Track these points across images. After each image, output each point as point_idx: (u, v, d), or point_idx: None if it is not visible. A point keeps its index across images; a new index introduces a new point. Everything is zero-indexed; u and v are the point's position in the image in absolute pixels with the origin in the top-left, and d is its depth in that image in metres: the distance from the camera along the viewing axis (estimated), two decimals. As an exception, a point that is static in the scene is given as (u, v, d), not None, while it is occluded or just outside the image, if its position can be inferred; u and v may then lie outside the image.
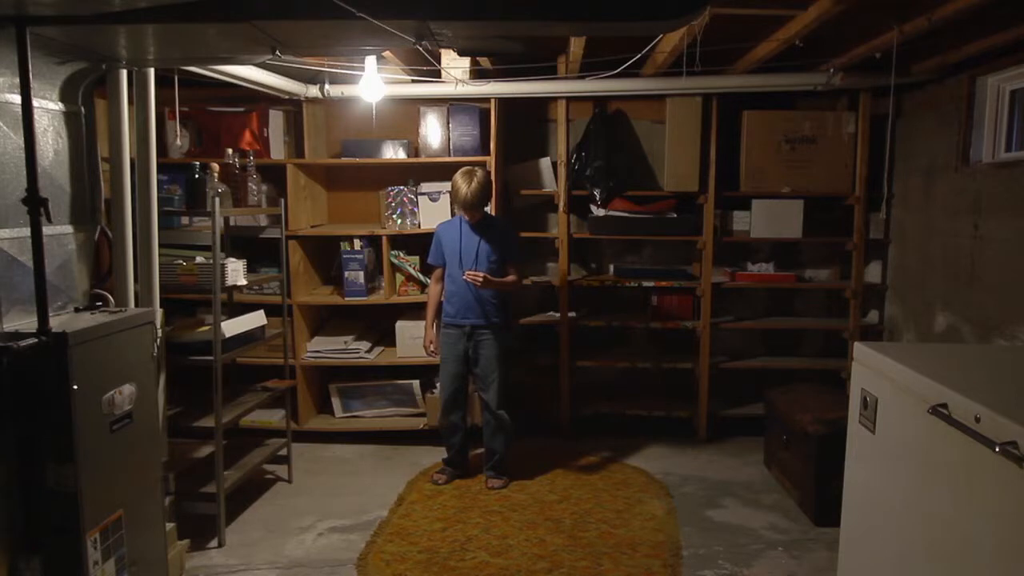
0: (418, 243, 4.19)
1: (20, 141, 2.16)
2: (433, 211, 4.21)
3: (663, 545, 3.12)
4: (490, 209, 3.83)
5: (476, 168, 3.56)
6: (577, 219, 4.49)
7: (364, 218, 4.53)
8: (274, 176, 4.12)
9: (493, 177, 4.12)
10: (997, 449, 1.41)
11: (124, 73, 2.71)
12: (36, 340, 2.05)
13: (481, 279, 3.47)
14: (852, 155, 4.17)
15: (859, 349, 2.12)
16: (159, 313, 2.80)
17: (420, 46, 2.33)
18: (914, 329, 4.04)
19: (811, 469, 3.34)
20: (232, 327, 3.25)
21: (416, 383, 4.35)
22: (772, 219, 4.26)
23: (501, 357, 3.64)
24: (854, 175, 4.18)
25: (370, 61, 3.48)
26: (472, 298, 3.57)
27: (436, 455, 4.03)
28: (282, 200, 3.77)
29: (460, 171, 3.55)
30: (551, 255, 4.53)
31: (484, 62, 3.83)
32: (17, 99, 2.19)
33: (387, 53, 3.37)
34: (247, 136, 4.14)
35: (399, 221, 4.24)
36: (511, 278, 3.65)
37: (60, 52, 2.37)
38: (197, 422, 3.22)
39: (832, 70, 3.78)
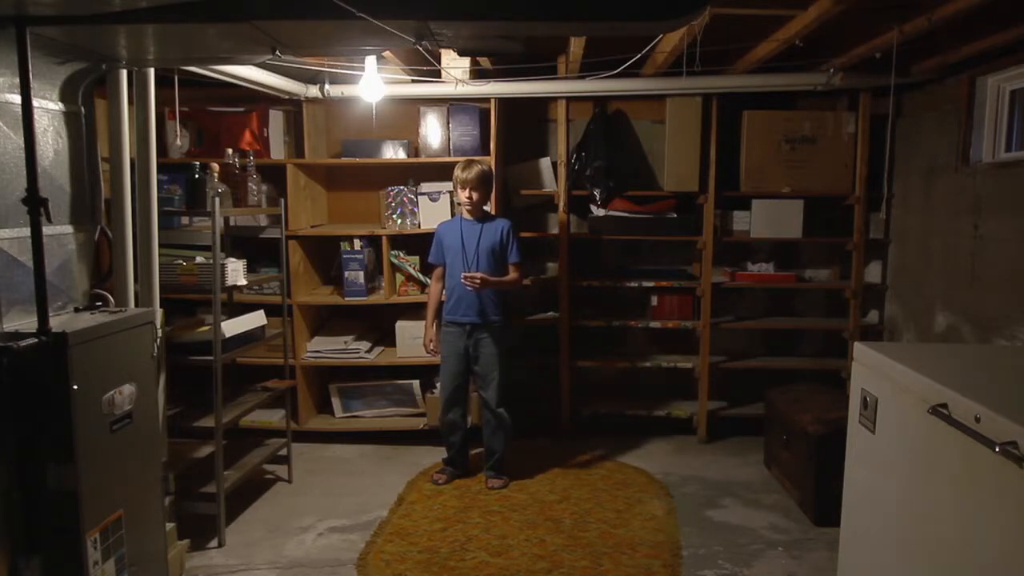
0: (418, 243, 4.19)
1: (20, 141, 2.16)
2: (433, 211, 4.21)
3: (663, 545, 3.12)
4: (490, 209, 3.83)
5: (476, 160, 3.67)
6: (577, 219, 4.50)
7: (364, 218, 4.53)
8: (274, 176, 4.12)
9: (493, 180, 4.12)
10: (997, 449, 1.41)
11: (124, 73, 2.71)
12: (36, 340, 2.05)
13: (478, 281, 3.47)
14: (852, 155, 4.17)
15: (859, 349, 2.12)
16: (159, 313, 2.80)
17: (420, 46, 2.33)
18: (914, 329, 4.04)
19: (811, 469, 3.34)
20: (232, 327, 3.25)
21: (416, 383, 4.35)
22: (772, 219, 4.26)
23: (501, 356, 3.64)
24: (854, 175, 4.18)
25: (370, 61, 3.48)
26: (472, 296, 3.57)
27: (436, 455, 4.03)
28: (282, 200, 3.77)
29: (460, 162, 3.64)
30: (551, 255, 4.53)
31: (484, 62, 3.83)
32: (17, 99, 2.19)
33: (387, 53, 3.37)
34: (247, 136, 4.14)
35: (399, 221, 4.24)
36: (511, 277, 3.65)
37: (60, 52, 2.37)
38: (197, 422, 3.22)
39: (832, 70, 3.78)
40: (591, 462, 4.05)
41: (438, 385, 4.01)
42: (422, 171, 4.31)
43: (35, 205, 2.10)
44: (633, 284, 4.41)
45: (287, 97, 4.02)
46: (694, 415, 4.40)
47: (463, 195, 3.58)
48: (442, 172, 4.24)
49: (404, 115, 4.35)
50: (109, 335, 2.27)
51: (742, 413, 4.41)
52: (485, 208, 3.69)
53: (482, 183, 3.57)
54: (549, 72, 3.97)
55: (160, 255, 2.90)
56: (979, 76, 3.51)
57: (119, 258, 2.73)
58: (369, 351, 4.31)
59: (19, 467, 2.08)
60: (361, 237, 4.19)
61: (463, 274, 3.50)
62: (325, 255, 4.53)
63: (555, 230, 4.44)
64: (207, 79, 3.20)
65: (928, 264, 3.88)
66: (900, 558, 1.86)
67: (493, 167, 4.09)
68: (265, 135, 4.17)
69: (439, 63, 3.66)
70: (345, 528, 3.31)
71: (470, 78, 3.86)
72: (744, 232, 4.34)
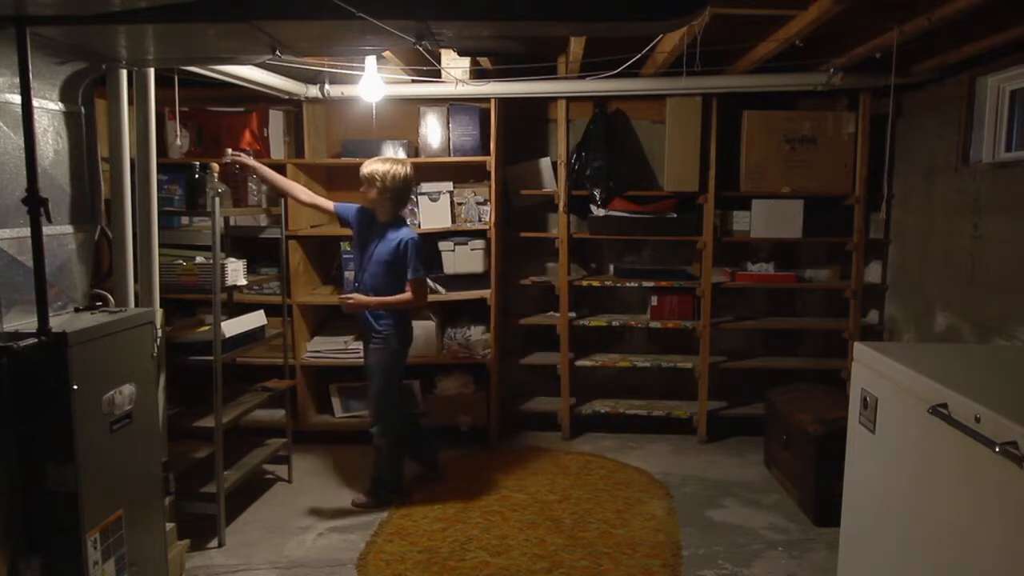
0: (418, 243, 4.19)
1: (20, 141, 2.16)
2: (433, 211, 4.21)
3: (663, 545, 3.12)
4: (408, 213, 3.67)
5: (392, 160, 3.38)
6: (577, 219, 4.49)
7: (364, 218, 4.52)
8: (274, 176, 4.12)
9: (493, 179, 4.12)
10: (997, 449, 1.41)
11: (124, 73, 2.71)
12: (36, 340, 2.05)
13: (349, 302, 3.35)
14: (852, 155, 4.17)
15: (859, 349, 2.12)
16: (159, 313, 2.80)
17: (420, 46, 2.33)
18: (914, 329, 4.04)
19: (811, 469, 3.34)
20: (232, 327, 3.25)
21: (416, 383, 4.35)
22: (772, 219, 4.26)
23: (378, 369, 3.39)
24: (854, 175, 4.18)
25: (370, 61, 3.48)
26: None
27: (436, 455, 4.03)
28: (282, 200, 3.76)
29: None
30: (551, 255, 4.53)
31: (484, 62, 3.83)
32: (17, 99, 2.19)
33: (387, 53, 3.37)
34: (247, 136, 4.14)
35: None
36: (402, 296, 3.35)
37: (60, 52, 2.37)
38: (197, 422, 3.22)
39: (832, 70, 3.78)
40: (591, 462, 4.05)
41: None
42: (422, 171, 4.29)
43: (35, 205, 2.10)
44: (633, 284, 4.41)
45: (287, 97, 4.02)
46: (694, 415, 4.40)
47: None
48: (442, 172, 4.24)
49: (404, 115, 4.35)
50: (109, 335, 2.27)
51: (742, 413, 4.41)
52: (401, 215, 3.46)
53: (375, 183, 3.30)
54: (549, 72, 3.97)
55: (160, 255, 2.90)
56: (979, 76, 3.51)
57: (119, 258, 2.73)
58: (369, 351, 4.31)
59: (19, 467, 2.08)
60: (361, 237, 4.18)
61: (340, 296, 3.36)
62: (325, 255, 4.53)
63: (555, 230, 4.44)
64: (207, 79, 3.20)
65: (928, 264, 3.88)
66: (900, 558, 1.87)
67: (493, 167, 4.10)
68: (265, 135, 4.17)
69: (439, 63, 3.66)
70: (345, 528, 3.31)
71: (470, 78, 3.86)
72: (744, 232, 4.34)
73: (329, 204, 3.55)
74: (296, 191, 3.55)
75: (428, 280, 4.17)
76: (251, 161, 3.42)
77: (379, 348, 3.39)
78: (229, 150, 3.42)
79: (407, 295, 3.37)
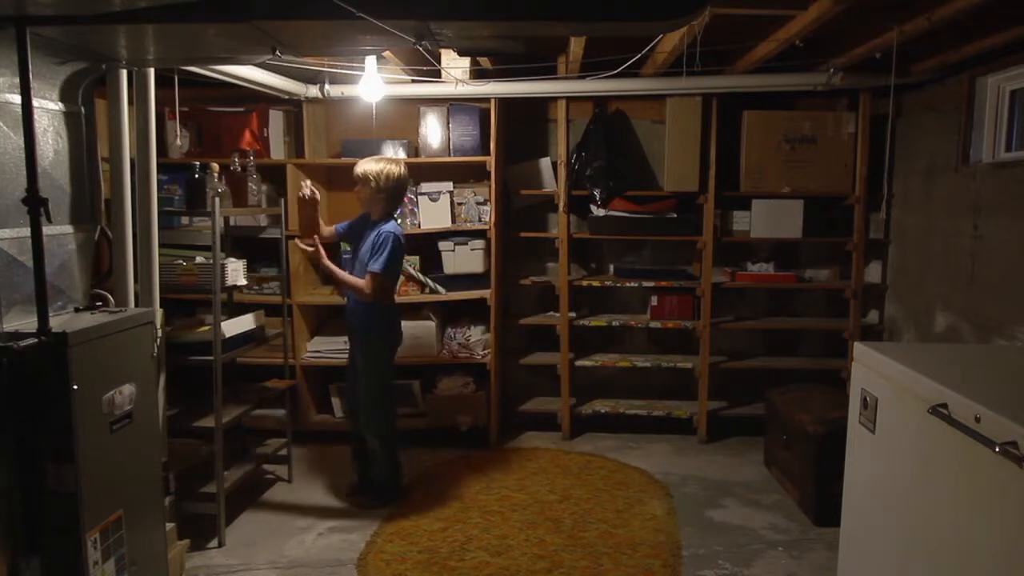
0: (418, 243, 4.19)
1: (20, 141, 2.16)
2: (433, 211, 4.21)
3: (663, 545, 3.12)
4: (403, 212, 3.68)
5: (386, 159, 3.38)
6: (577, 219, 4.49)
7: (364, 218, 4.53)
8: (274, 176, 4.12)
9: (493, 179, 4.12)
10: (997, 449, 1.41)
11: (124, 73, 2.71)
12: (36, 340, 2.05)
13: (310, 250, 3.31)
14: (852, 155, 4.18)
15: (859, 349, 2.12)
16: (159, 313, 2.80)
17: (420, 46, 2.33)
18: (914, 329, 4.04)
19: (811, 469, 3.34)
20: (232, 327, 3.25)
21: (416, 383, 4.35)
22: (772, 219, 4.26)
23: (368, 369, 3.38)
24: (854, 175, 4.18)
25: (370, 61, 3.48)
26: (349, 298, 3.43)
27: (437, 455, 4.04)
28: (282, 200, 3.76)
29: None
30: (551, 255, 4.53)
31: (484, 62, 3.83)
32: (17, 99, 2.19)
33: (387, 53, 3.37)
34: (247, 136, 4.14)
35: (399, 221, 4.23)
36: (358, 281, 3.28)
37: (60, 52, 2.37)
38: (197, 422, 3.22)
39: (832, 70, 3.78)
40: (591, 462, 4.05)
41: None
42: (422, 171, 4.30)
43: (35, 205, 2.10)
44: (633, 284, 4.41)
45: (287, 97, 4.02)
46: (694, 415, 4.40)
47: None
48: (442, 172, 4.24)
49: (404, 115, 4.35)
50: (109, 335, 2.27)
51: (742, 413, 4.41)
52: (392, 214, 3.44)
53: (368, 183, 3.30)
54: (549, 72, 3.97)
55: (160, 255, 2.90)
56: (979, 76, 3.51)
57: (119, 258, 2.73)
58: (369, 351, 4.30)
59: (19, 467, 2.08)
60: (361, 237, 4.18)
61: (304, 242, 3.31)
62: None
63: (555, 230, 4.44)
64: (207, 79, 3.20)
65: (928, 264, 3.88)
66: (900, 558, 1.87)
67: (493, 167, 4.10)
68: (265, 135, 4.17)
69: (439, 63, 3.66)
70: (345, 528, 3.31)
71: (470, 78, 3.86)
72: (744, 232, 4.34)
73: (331, 228, 3.57)
74: (324, 232, 3.53)
75: (419, 274, 4.17)
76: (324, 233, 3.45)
77: (362, 348, 3.39)
78: (307, 182, 3.43)
79: (361, 282, 3.27)
